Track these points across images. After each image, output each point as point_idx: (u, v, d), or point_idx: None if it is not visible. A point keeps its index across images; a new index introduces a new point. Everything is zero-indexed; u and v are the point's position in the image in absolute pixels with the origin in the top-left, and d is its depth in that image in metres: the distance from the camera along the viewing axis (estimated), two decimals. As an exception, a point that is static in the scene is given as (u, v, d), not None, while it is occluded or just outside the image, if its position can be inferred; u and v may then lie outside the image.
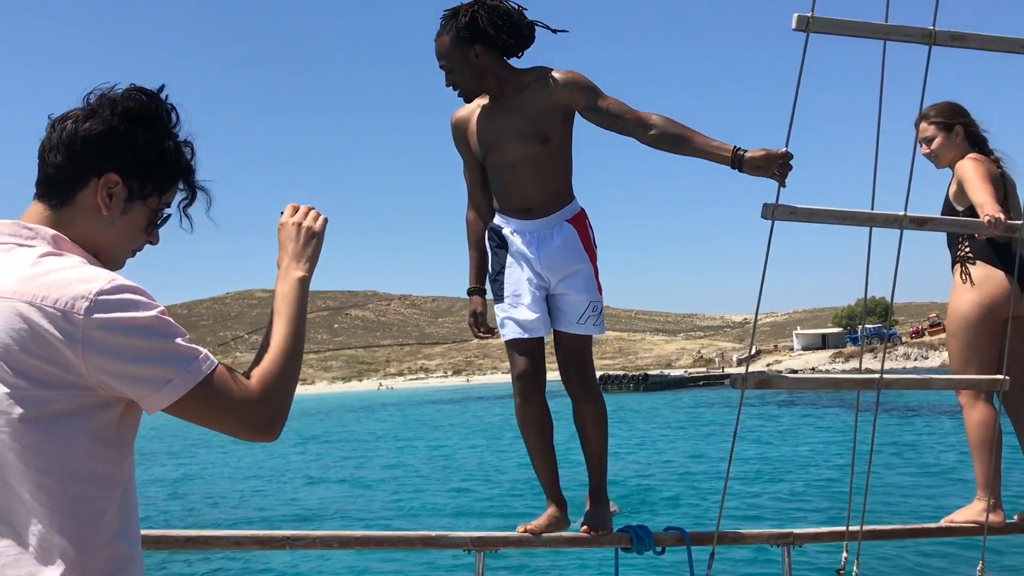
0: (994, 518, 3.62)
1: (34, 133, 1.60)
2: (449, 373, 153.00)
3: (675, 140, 3.10)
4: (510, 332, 3.39)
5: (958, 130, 3.93)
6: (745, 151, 2.96)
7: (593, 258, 3.44)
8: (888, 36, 2.90)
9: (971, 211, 3.68)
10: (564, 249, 3.38)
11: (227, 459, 30.86)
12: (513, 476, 20.98)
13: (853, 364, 72.38)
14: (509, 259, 3.41)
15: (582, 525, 3.33)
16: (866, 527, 3.36)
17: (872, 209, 2.99)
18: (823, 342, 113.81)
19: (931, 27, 2.88)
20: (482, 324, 3.51)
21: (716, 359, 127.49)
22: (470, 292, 3.56)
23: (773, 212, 2.89)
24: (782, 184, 2.83)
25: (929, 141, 3.96)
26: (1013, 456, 3.93)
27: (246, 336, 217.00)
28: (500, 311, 3.44)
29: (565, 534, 3.28)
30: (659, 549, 3.25)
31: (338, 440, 37.95)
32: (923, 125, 3.97)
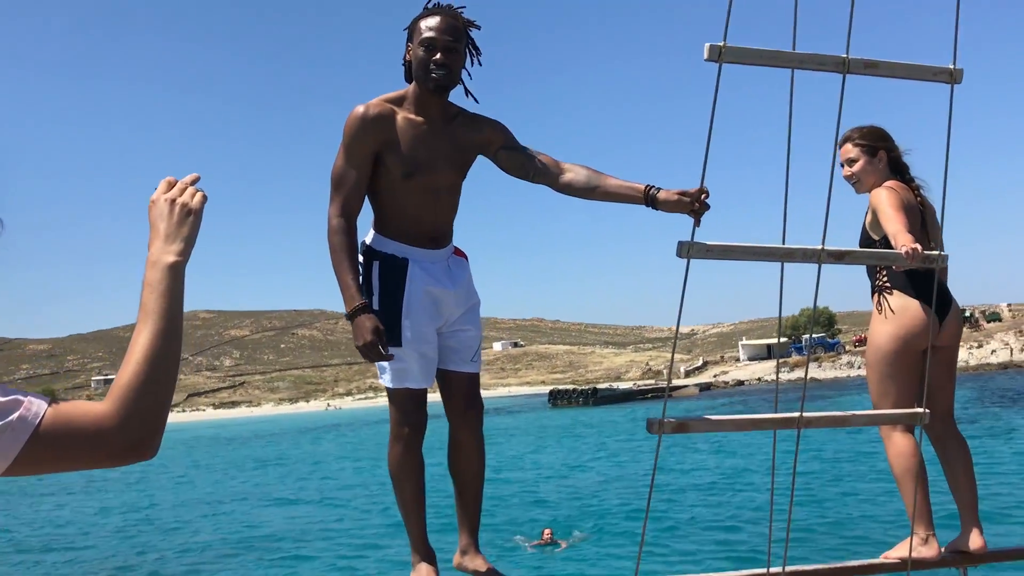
0: (925, 552, 3.53)
1: None
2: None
3: (588, 184, 3.02)
4: (411, 382, 3.12)
5: (881, 155, 3.87)
6: (658, 190, 2.87)
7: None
8: (801, 65, 2.79)
9: (887, 240, 3.62)
10: (467, 282, 3.30)
11: (175, 488, 30.27)
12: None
13: (798, 374, 73.27)
14: (409, 297, 3.11)
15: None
16: (789, 568, 3.23)
17: (784, 242, 2.90)
18: (768, 352, 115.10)
19: (845, 55, 2.80)
20: (385, 342, 3.01)
21: (664, 371, 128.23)
22: (358, 311, 2.97)
23: (688, 250, 2.77)
24: (696, 223, 2.69)
25: (852, 163, 3.89)
26: (943, 486, 3.85)
27: (190, 358, 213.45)
28: (395, 355, 3.10)
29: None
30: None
31: (278, 463, 37.29)
32: (847, 146, 3.90)
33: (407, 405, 3.12)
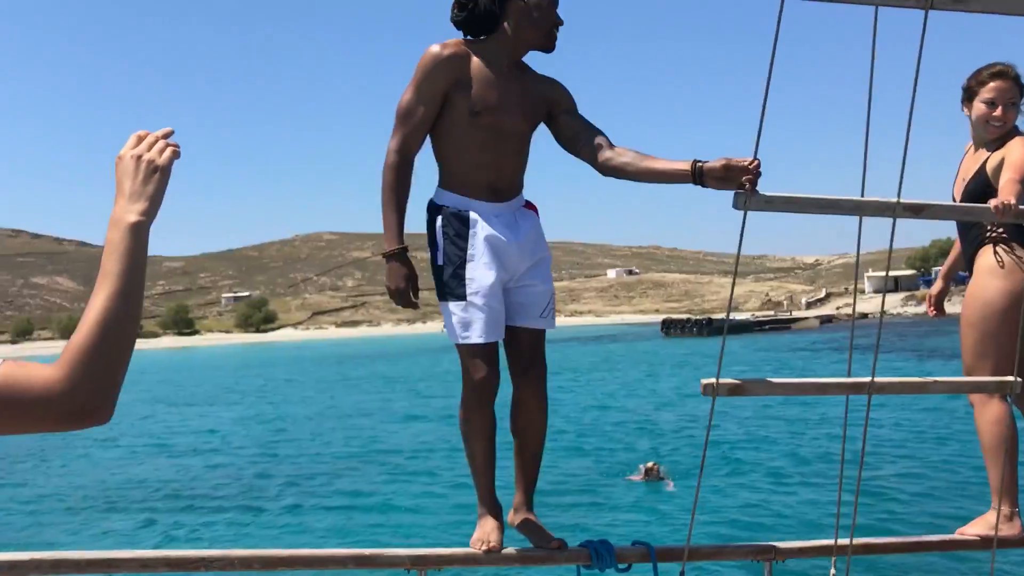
0: (1008, 530, 3.29)
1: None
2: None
3: (634, 166, 2.94)
4: (475, 336, 3.03)
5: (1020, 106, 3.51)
6: (704, 163, 2.71)
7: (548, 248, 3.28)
8: (880, 0, 2.55)
9: None
10: (534, 235, 3.19)
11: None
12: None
13: (923, 308, 70.46)
14: (472, 250, 3.04)
15: (534, 539, 3.10)
16: (858, 540, 3.08)
17: (863, 193, 2.68)
18: (895, 284, 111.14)
19: (929, -11, 2.53)
20: (416, 289, 3.05)
21: (784, 302, 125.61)
22: (395, 254, 3.01)
23: (746, 202, 2.59)
24: (741, 204, 2.46)
25: (1012, 106, 3.49)
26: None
27: (315, 278, 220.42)
28: (457, 310, 3.04)
29: (516, 551, 3.04)
30: (623, 566, 3.00)
31: (401, 381, 38.33)
32: (1007, 85, 3.49)
33: (476, 361, 3.05)
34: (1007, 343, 3.35)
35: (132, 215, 1.43)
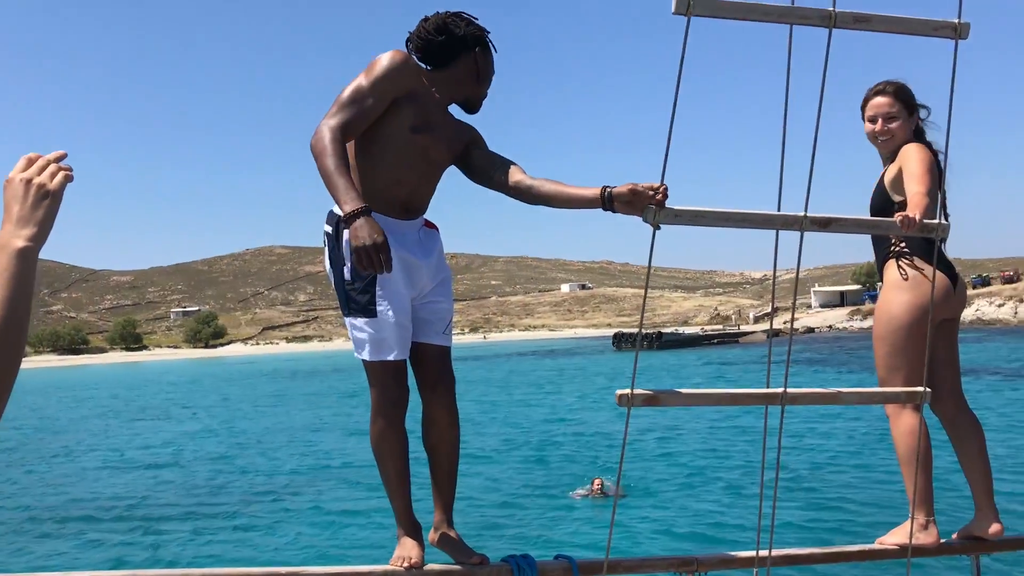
0: (924, 539, 3.34)
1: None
2: (466, 331, 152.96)
3: (550, 193, 2.98)
4: (388, 353, 3.02)
5: (916, 118, 3.61)
6: (612, 189, 2.74)
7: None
8: (781, 18, 2.58)
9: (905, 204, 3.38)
10: (439, 254, 3.24)
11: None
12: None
13: (870, 323, 71.67)
14: None
15: (455, 555, 3.09)
16: (777, 551, 3.11)
17: (780, 208, 2.73)
18: (841, 299, 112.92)
19: (831, 8, 2.59)
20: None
21: (733, 316, 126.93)
22: (359, 213, 2.68)
23: (655, 216, 2.63)
24: (654, 223, 2.41)
25: (890, 119, 3.58)
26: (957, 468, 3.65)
27: (266, 292, 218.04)
28: (368, 327, 3.01)
29: (438, 567, 3.02)
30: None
31: (354, 396, 38.03)
32: (885, 100, 3.59)
33: (387, 379, 3.03)
34: (916, 355, 3.40)
35: (19, 240, 1.40)
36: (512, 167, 3.09)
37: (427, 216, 3.25)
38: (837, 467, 15.74)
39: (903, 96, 3.61)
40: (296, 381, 55.12)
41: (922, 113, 3.64)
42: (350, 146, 3.04)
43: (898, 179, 3.45)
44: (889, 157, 3.61)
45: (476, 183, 3.18)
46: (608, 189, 2.75)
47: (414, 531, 3.12)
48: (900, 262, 3.51)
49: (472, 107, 3.24)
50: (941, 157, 3.55)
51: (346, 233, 2.92)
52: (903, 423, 3.42)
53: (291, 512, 14.58)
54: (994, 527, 3.43)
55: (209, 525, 13.93)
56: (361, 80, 2.94)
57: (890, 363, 3.47)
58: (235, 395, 45.04)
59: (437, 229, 3.28)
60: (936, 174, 3.37)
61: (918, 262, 3.47)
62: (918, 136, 3.61)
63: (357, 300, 3.02)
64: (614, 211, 2.75)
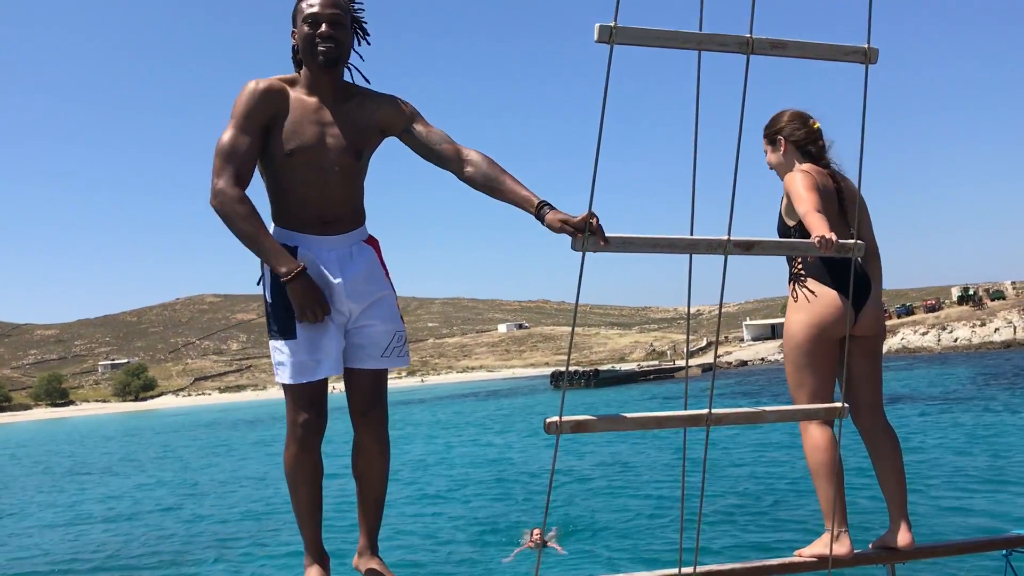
0: (838, 549, 3.42)
1: None
2: (403, 374, 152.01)
3: (489, 182, 2.92)
4: (299, 374, 2.96)
5: (780, 141, 3.78)
6: (548, 211, 2.72)
7: (392, 285, 3.21)
8: (700, 46, 2.64)
9: (802, 226, 3.52)
10: (368, 273, 3.12)
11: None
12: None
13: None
14: None
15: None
16: (701, 568, 3.12)
17: (692, 232, 2.76)
18: (772, 332, 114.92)
19: (748, 35, 2.66)
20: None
21: (668, 352, 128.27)
22: (298, 275, 2.86)
23: (584, 244, 2.64)
24: (583, 250, 2.42)
25: (766, 154, 3.86)
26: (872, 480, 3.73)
27: (197, 342, 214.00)
28: (286, 349, 2.96)
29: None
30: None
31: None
32: (763, 141, 3.88)
33: (301, 402, 2.98)
34: (816, 372, 3.55)
35: None
36: (455, 152, 3.02)
37: (370, 227, 3.18)
38: (761, 484, 15.99)
39: (766, 130, 3.85)
40: (238, 431, 54.07)
41: (787, 130, 3.77)
42: (260, 175, 3.06)
43: (790, 206, 3.61)
44: None
45: (423, 159, 3.11)
46: (544, 209, 2.72)
47: (321, 561, 3.09)
48: (796, 284, 3.66)
49: (323, 69, 3.02)
50: (835, 166, 3.70)
51: None
52: (811, 439, 3.54)
53: (250, 556, 14.44)
54: (905, 539, 3.53)
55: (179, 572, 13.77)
56: (228, 129, 2.97)
57: (794, 380, 3.62)
58: (178, 446, 44.14)
59: (375, 246, 3.19)
60: (827, 190, 3.52)
61: (811, 283, 3.59)
62: (807, 153, 3.72)
63: (278, 322, 2.98)
64: (544, 226, 2.73)
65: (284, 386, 3.00)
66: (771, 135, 3.80)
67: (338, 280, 3.01)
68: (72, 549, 16.88)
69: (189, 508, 21.28)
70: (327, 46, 2.99)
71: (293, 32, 3.09)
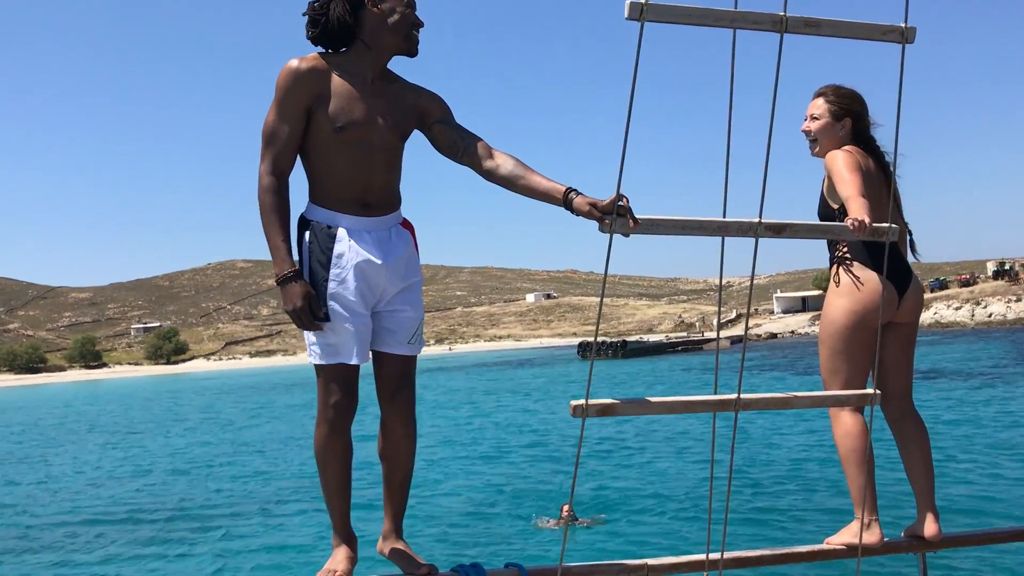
0: (868, 538, 3.37)
1: None
2: (431, 342, 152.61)
3: (512, 177, 2.91)
4: (334, 356, 2.96)
5: (846, 122, 3.64)
6: (575, 196, 2.69)
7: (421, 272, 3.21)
8: (733, 24, 2.58)
9: (845, 208, 3.43)
10: (406, 258, 3.11)
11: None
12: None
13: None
14: (337, 268, 2.95)
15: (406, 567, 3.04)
16: (729, 554, 3.09)
17: (725, 214, 2.72)
18: (803, 305, 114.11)
19: (782, 13, 2.60)
20: (317, 307, 2.92)
21: (697, 323, 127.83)
22: (288, 278, 2.89)
23: (611, 226, 2.61)
24: (611, 232, 2.39)
25: (814, 119, 3.66)
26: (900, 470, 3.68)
27: (228, 307, 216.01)
28: (318, 331, 2.96)
29: (383, 577, 2.98)
30: (496, 589, 2.95)
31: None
32: (817, 101, 3.68)
33: (334, 384, 2.97)
34: (853, 359, 3.48)
35: None
36: (481, 149, 3.00)
37: (405, 212, 3.17)
38: (791, 469, 15.88)
39: (837, 100, 3.66)
40: (280, 394, 54.89)
41: (858, 111, 3.65)
42: (301, 157, 3.04)
43: (832, 187, 3.51)
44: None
45: (444, 156, 3.10)
46: (571, 195, 2.70)
47: (349, 542, 3.08)
48: (839, 268, 3.57)
49: (409, 51, 3.06)
50: (889, 158, 3.60)
51: (307, 235, 3.03)
52: (841, 426, 3.48)
53: (296, 515, 15.11)
54: (931, 528, 3.47)
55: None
56: (270, 111, 2.97)
57: (830, 366, 3.55)
58: (222, 408, 45.18)
59: (412, 230, 3.18)
60: (861, 172, 3.41)
61: (856, 267, 3.52)
62: (861, 142, 3.63)
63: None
64: (574, 214, 2.71)
65: (316, 367, 3.00)
66: (840, 110, 3.63)
67: (380, 262, 3.00)
68: (141, 500, 17.90)
69: (242, 465, 22.10)
70: (416, 37, 3.05)
71: (369, 4, 3.00)
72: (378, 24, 2.99)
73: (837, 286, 3.54)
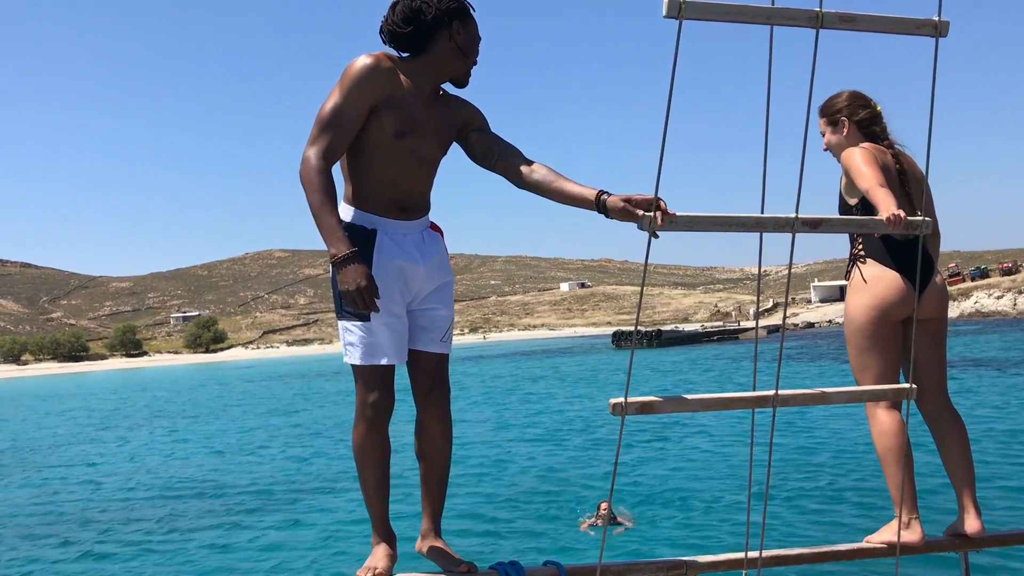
0: (908, 536, 3.35)
1: None
2: (466, 331, 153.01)
3: (547, 183, 2.93)
4: (376, 356, 2.98)
5: (843, 122, 3.70)
6: (608, 196, 2.72)
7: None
8: (770, 20, 2.58)
9: (863, 204, 3.44)
10: (439, 258, 3.16)
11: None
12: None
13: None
14: (376, 269, 2.95)
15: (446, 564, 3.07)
16: (767, 552, 3.09)
17: (763, 210, 2.73)
18: (840, 294, 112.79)
19: (818, 9, 2.59)
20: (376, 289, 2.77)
21: (733, 312, 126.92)
22: (349, 259, 2.73)
23: (650, 223, 2.63)
24: (650, 231, 2.34)
25: (822, 136, 3.79)
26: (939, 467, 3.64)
27: (266, 296, 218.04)
28: (359, 331, 2.97)
29: (422, 575, 3.01)
30: (534, 586, 2.97)
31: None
32: (819, 121, 3.81)
33: (373, 383, 2.99)
34: (879, 354, 3.48)
35: None
36: (514, 157, 3.03)
37: (431, 216, 3.21)
38: (832, 464, 15.69)
39: (828, 111, 3.77)
40: (328, 381, 55.49)
41: (848, 110, 3.70)
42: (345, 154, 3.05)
43: (850, 184, 3.54)
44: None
45: (477, 164, 3.13)
46: (603, 196, 2.73)
47: (388, 540, 3.10)
48: (855, 265, 3.60)
49: (460, 82, 3.11)
50: (899, 146, 3.66)
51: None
52: (878, 424, 3.48)
53: (317, 511, 15.00)
54: (974, 526, 3.43)
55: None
56: (334, 97, 2.89)
57: (858, 364, 3.56)
58: (267, 395, 45.97)
59: (441, 233, 3.23)
60: (878, 165, 3.43)
61: (870, 264, 3.53)
62: (870, 134, 3.66)
63: (346, 304, 2.94)
64: (608, 217, 2.73)
65: (354, 367, 3.02)
66: (832, 116, 3.71)
67: (420, 264, 3.04)
68: (218, 478, 18.63)
69: (290, 451, 22.50)
70: (471, 73, 3.15)
71: (452, 27, 3.03)
72: (452, 53, 3.02)
73: (853, 284, 3.57)
